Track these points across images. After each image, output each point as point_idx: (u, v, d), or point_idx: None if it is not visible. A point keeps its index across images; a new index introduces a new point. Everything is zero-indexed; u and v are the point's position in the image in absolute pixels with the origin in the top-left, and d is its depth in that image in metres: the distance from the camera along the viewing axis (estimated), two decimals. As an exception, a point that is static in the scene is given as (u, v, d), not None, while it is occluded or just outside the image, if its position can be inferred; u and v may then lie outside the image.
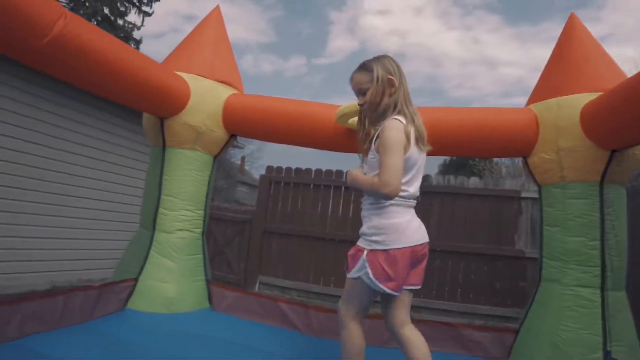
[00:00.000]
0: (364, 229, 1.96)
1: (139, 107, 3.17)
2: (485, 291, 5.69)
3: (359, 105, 2.00)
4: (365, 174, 1.97)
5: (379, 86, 1.90)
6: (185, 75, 3.13)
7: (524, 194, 5.74)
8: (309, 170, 6.80)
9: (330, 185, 6.61)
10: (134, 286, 3.08)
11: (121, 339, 2.52)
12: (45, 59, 2.32)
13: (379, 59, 1.97)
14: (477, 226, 5.85)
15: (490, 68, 62.52)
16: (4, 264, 4.83)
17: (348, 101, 2.70)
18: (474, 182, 6.16)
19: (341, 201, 6.53)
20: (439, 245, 5.93)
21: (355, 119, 2.72)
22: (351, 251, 1.97)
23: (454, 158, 14.10)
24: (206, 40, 3.41)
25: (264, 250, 6.82)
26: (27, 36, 2.11)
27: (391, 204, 1.89)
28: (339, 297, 6.25)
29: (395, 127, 1.82)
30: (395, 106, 1.91)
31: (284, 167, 6.93)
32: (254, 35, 58.80)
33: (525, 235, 5.68)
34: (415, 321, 3.12)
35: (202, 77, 3.20)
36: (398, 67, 1.96)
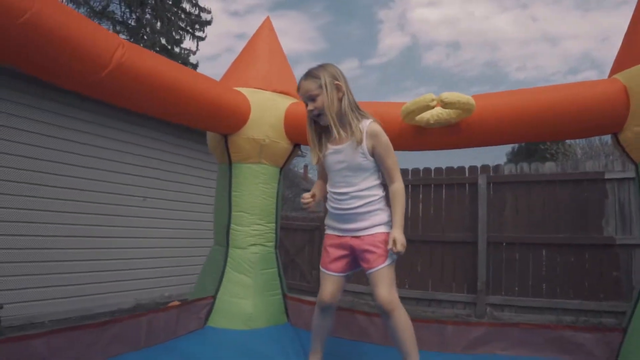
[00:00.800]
0: (383, 218, 2.12)
1: (201, 127, 3.21)
2: (574, 284, 5.30)
3: (309, 111, 2.10)
4: (341, 177, 2.13)
5: (328, 92, 2.03)
6: (244, 90, 3.12)
7: (607, 176, 5.30)
8: (373, 172, 6.68)
9: (396, 185, 6.46)
10: (213, 303, 3.10)
11: (202, 358, 2.52)
12: (107, 89, 2.36)
13: (324, 66, 2.11)
14: (558, 215, 5.48)
15: (552, 45, 58.97)
16: (91, 286, 5.11)
17: (406, 99, 2.59)
18: (550, 167, 5.79)
19: (410, 200, 6.36)
20: (517, 238, 5.63)
21: (423, 115, 2.59)
22: (377, 243, 2.07)
23: (523, 144, 13.37)
24: (260, 52, 3.40)
25: (334, 256, 6.78)
26: (88, 69, 2.15)
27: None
28: (415, 299, 6.12)
29: (383, 130, 2.08)
30: (352, 109, 2.09)
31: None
32: (304, 44, 59.39)
33: (614, 221, 5.23)
34: (505, 325, 2.94)
35: (260, 90, 3.17)
36: (341, 72, 2.12)
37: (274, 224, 3.29)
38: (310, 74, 2.10)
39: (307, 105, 2.11)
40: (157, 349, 2.62)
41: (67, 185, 4.91)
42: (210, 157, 5.98)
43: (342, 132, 2.06)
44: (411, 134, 2.75)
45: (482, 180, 5.88)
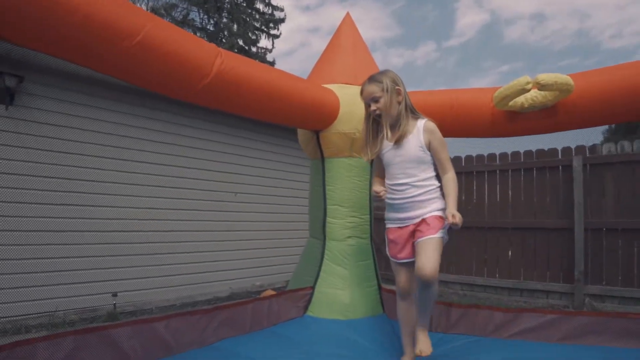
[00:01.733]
0: (439, 205, 2.27)
1: (294, 125, 3.34)
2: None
3: (372, 110, 2.31)
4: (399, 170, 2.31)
5: (389, 95, 2.26)
6: (332, 86, 3.21)
7: None
8: (458, 158, 6.52)
9: (483, 171, 6.26)
10: (312, 294, 3.24)
11: (301, 343, 2.67)
12: (209, 96, 2.54)
13: (385, 72, 2.34)
14: (667, 197, 5.03)
15: (654, 5, 53.17)
16: (191, 276, 5.52)
17: (488, 80, 2.52)
18: (655, 144, 5.31)
19: (497, 186, 6.14)
20: (619, 224, 5.22)
21: (517, 99, 2.52)
22: (433, 220, 2.23)
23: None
24: (344, 48, 3.47)
25: (421, 246, 6.73)
26: (191, 79, 2.33)
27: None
28: (506, 289, 5.93)
29: (437, 127, 2.29)
30: (407, 111, 2.31)
31: (431, 158, 6.74)
32: (379, 31, 58.41)
33: None
34: (615, 315, 2.78)
35: (347, 85, 3.25)
36: (400, 78, 2.35)
37: (368, 216, 3.36)
38: (373, 79, 2.32)
39: (369, 106, 2.32)
40: (262, 333, 2.83)
41: (168, 184, 5.34)
42: (300, 153, 6.25)
43: (390, 132, 2.33)
44: (504, 120, 2.69)
45: (577, 162, 5.52)
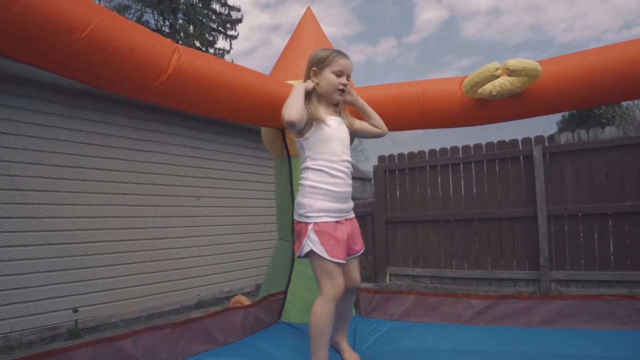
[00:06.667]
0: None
1: (258, 123, 3.21)
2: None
3: (344, 84, 2.17)
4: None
5: None
6: (295, 82, 3.11)
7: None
8: (422, 153, 6.57)
9: (447, 164, 6.34)
10: (284, 298, 3.13)
11: (278, 354, 2.52)
12: (166, 94, 2.35)
13: None
14: (623, 182, 5.20)
15: (601, 0, 55.77)
16: (156, 285, 5.31)
17: (447, 75, 2.51)
18: (610, 132, 5.48)
19: (462, 178, 6.22)
20: (580, 210, 5.41)
21: (485, 87, 2.49)
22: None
23: (574, 111, 12.79)
24: (306, 43, 3.36)
25: (389, 241, 6.74)
26: (148, 76, 2.17)
27: None
28: (475, 279, 6.06)
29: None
30: None
31: (396, 154, 6.77)
32: (340, 28, 58.67)
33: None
34: (587, 297, 2.82)
35: (311, 80, 3.15)
36: None
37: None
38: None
39: (341, 76, 2.17)
40: (235, 346, 2.66)
41: (126, 191, 5.09)
42: (264, 153, 6.09)
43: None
44: (473, 108, 2.65)
45: (537, 152, 5.65)
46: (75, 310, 4.47)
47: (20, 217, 4.06)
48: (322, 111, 2.17)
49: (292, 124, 2.02)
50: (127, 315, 4.93)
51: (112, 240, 4.87)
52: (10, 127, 4.09)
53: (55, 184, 4.39)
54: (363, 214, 7.03)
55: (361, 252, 2.29)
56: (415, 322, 3.00)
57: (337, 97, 2.20)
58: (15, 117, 4.15)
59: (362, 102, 2.41)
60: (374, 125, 2.42)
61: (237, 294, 4.94)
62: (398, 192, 6.77)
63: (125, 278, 4.97)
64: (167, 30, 18.17)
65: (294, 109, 2.00)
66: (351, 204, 2.19)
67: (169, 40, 2.32)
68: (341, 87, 2.15)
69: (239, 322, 2.80)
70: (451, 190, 6.30)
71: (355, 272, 2.28)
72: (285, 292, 3.13)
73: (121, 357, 2.19)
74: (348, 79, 2.18)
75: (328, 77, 2.16)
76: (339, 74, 2.15)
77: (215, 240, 6.11)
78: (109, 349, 2.16)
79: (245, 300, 3.50)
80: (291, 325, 3.01)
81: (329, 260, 1.99)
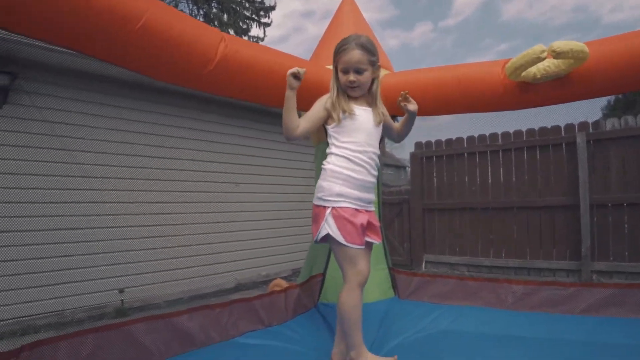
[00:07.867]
0: None
1: (300, 108, 3.25)
2: None
3: (350, 81, 2.04)
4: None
5: (374, 72, 2.08)
6: (336, 68, 3.13)
7: None
8: (460, 139, 6.48)
9: (486, 151, 6.23)
10: (323, 280, 3.20)
11: (318, 335, 2.61)
12: (214, 82, 2.44)
13: (374, 44, 2.10)
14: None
15: (652, -22, 52.74)
16: (197, 268, 5.48)
17: (486, 59, 2.46)
18: (660, 117, 5.27)
19: (501, 166, 6.11)
20: (625, 199, 5.19)
21: (529, 69, 2.45)
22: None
23: (620, 96, 12.28)
24: (346, 28, 3.36)
25: (426, 229, 6.71)
26: (197, 65, 2.24)
27: None
28: (513, 268, 5.99)
29: None
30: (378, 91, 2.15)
31: (433, 140, 6.70)
32: (374, 13, 57.85)
33: None
34: (633, 286, 2.76)
35: (351, 65, 3.16)
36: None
37: (377, 198, 3.30)
38: (366, 48, 2.02)
39: (348, 73, 2.04)
40: (278, 329, 2.75)
41: (169, 177, 5.27)
42: (299, 140, 6.15)
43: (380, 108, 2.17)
44: (516, 92, 2.61)
45: (580, 139, 5.48)
46: (121, 291, 4.68)
47: (71, 202, 4.29)
48: (349, 102, 2.11)
49: (296, 139, 2.10)
50: (169, 297, 5.12)
51: (155, 225, 5.06)
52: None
53: (103, 170, 4.60)
54: (399, 201, 7.02)
55: (375, 242, 2.13)
56: (455, 305, 3.01)
57: (352, 93, 2.11)
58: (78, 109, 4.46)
59: (413, 115, 2.19)
60: (398, 133, 2.31)
61: (275, 278, 5.06)
62: (435, 179, 6.72)
63: (167, 261, 5.16)
64: (201, 19, 18.37)
65: (289, 126, 2.04)
66: (372, 197, 2.10)
67: (215, 29, 2.39)
68: (349, 84, 2.06)
69: (282, 305, 2.88)
70: (489, 177, 6.20)
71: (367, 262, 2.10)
72: (323, 274, 3.19)
73: (175, 332, 2.32)
74: (361, 72, 2.03)
75: (339, 75, 2.10)
76: (345, 72, 2.06)
77: (253, 226, 6.25)
78: (163, 325, 2.29)
79: (284, 284, 3.59)
80: (329, 307, 3.08)
81: (348, 246, 1.94)
